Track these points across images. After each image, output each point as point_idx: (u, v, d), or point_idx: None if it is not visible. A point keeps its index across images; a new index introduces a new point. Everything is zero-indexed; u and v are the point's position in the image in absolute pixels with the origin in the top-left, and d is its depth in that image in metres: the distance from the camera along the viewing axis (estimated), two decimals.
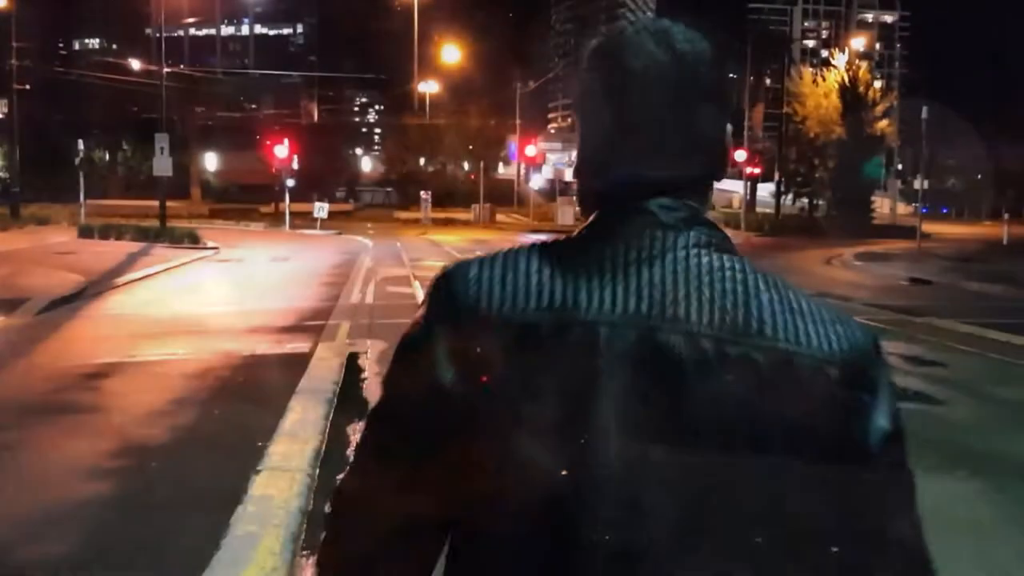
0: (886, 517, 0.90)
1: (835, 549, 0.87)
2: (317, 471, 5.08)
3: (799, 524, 0.86)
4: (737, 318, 0.86)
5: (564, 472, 0.85)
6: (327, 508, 1.01)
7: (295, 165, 38.80)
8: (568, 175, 70.48)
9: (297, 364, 8.15)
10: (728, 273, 0.88)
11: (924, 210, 31.97)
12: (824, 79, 45.01)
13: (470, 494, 0.89)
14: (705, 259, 0.89)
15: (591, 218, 0.95)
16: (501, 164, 65.95)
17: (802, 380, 0.86)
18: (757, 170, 45.51)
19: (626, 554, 0.84)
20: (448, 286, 0.92)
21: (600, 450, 0.84)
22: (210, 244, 24.78)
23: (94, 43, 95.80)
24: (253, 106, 70.39)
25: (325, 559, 1.01)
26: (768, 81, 54.75)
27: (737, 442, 0.84)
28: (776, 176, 44.62)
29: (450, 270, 0.95)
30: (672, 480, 0.84)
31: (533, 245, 0.94)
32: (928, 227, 32.57)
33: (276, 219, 41.04)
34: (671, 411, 0.85)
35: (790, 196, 47.22)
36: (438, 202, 47.65)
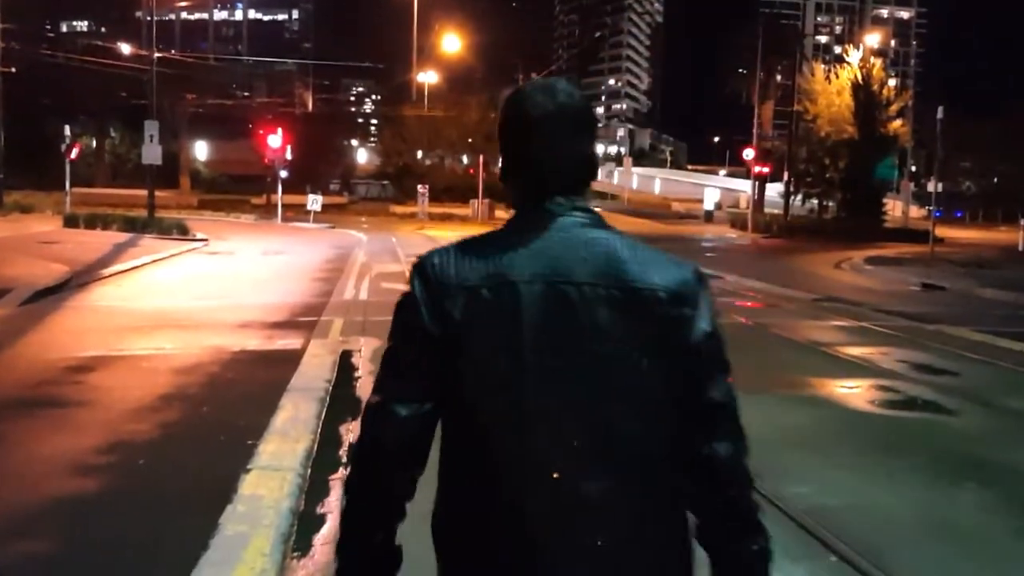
0: (709, 387, 1.46)
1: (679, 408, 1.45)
2: (308, 471, 5.12)
3: (653, 392, 1.43)
4: (606, 270, 1.42)
5: (502, 370, 1.41)
6: (361, 417, 1.54)
7: (288, 155, 38.72)
8: None
9: (288, 361, 8.18)
10: (600, 242, 1.45)
11: (937, 214, 31.99)
12: (837, 76, 45.03)
13: (448, 392, 1.45)
14: (586, 232, 1.45)
15: (514, 214, 1.52)
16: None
17: (645, 304, 1.41)
18: (766, 169, 45.51)
19: (545, 414, 1.40)
20: (422, 268, 1.48)
21: (522, 359, 1.40)
22: (199, 236, 24.79)
23: (82, 25, 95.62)
24: (246, 94, 70.20)
25: (359, 448, 1.53)
26: (779, 77, 54.60)
27: (609, 346, 1.40)
28: (785, 176, 44.63)
29: (422, 258, 1.50)
30: (568, 372, 1.40)
31: (475, 236, 1.52)
32: (941, 231, 32.61)
33: (268, 211, 41.09)
34: (565, 332, 1.41)
35: (799, 197, 47.23)
36: (435, 197, 47.63)
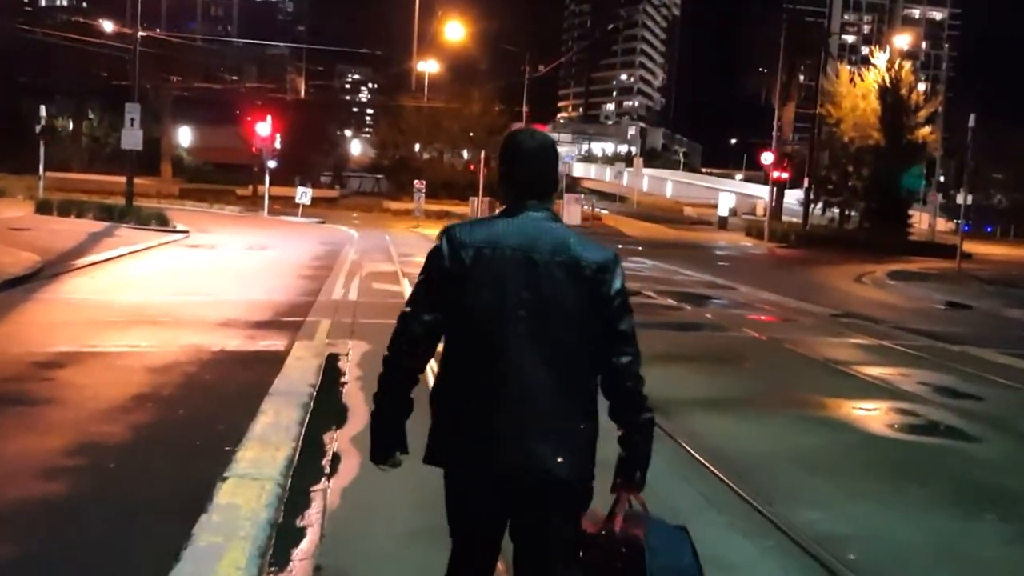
0: (618, 322, 2.55)
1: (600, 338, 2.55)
2: (289, 481, 5.11)
3: (583, 322, 2.50)
4: (559, 248, 2.49)
5: (490, 303, 2.48)
6: (397, 319, 2.59)
7: (278, 145, 38.77)
8: (576, 169, 70.52)
9: (271, 363, 8.19)
10: (556, 230, 2.54)
11: (966, 228, 32.08)
12: (863, 78, 45.08)
13: (455, 311, 2.51)
14: (548, 224, 2.55)
15: (505, 207, 2.60)
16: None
17: (580, 270, 2.49)
18: (785, 175, 45.54)
19: (514, 324, 2.46)
20: (448, 231, 2.56)
21: (504, 296, 2.47)
22: (180, 227, 24.83)
23: (62, 0, 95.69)
24: (234, 78, 70.07)
25: (393, 336, 2.59)
26: (801, 78, 54.69)
27: (557, 293, 2.48)
28: (805, 182, 44.67)
29: (449, 226, 2.59)
30: (532, 306, 2.47)
31: (482, 218, 2.65)
32: (969, 246, 32.68)
33: (254, 203, 41.14)
34: (532, 282, 2.47)
35: (820, 205, 47.26)
36: (432, 193, 47.69)
